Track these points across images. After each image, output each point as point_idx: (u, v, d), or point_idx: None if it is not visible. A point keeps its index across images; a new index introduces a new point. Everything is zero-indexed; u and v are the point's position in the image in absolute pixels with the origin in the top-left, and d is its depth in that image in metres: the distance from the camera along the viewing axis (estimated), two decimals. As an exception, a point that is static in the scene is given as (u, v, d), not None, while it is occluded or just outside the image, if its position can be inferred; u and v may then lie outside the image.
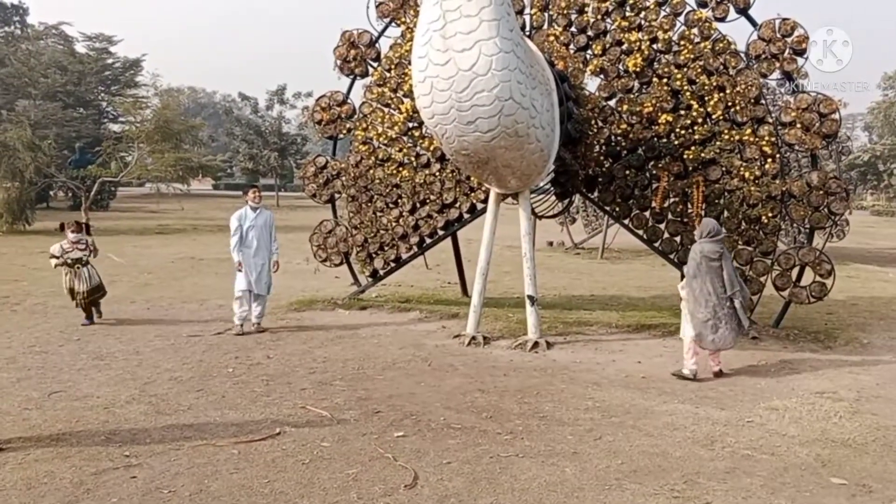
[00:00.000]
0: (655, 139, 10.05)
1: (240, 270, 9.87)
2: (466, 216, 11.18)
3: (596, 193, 10.55)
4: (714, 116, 9.80)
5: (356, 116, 11.73)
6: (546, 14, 10.58)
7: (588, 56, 10.34)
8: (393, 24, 11.36)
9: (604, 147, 10.26)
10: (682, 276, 8.05)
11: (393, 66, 11.32)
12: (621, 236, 20.52)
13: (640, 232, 10.31)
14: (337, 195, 12.05)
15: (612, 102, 10.27)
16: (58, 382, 7.25)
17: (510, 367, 8.22)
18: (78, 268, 10.18)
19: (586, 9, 10.29)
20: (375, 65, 11.54)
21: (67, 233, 10.30)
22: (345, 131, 11.86)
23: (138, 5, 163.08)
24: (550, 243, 23.29)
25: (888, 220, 50.82)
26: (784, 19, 9.54)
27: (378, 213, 11.59)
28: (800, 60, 9.53)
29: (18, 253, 19.22)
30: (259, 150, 48.23)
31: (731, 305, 7.81)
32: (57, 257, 10.20)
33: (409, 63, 10.62)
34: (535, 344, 9.12)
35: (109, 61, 48.73)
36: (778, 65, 9.56)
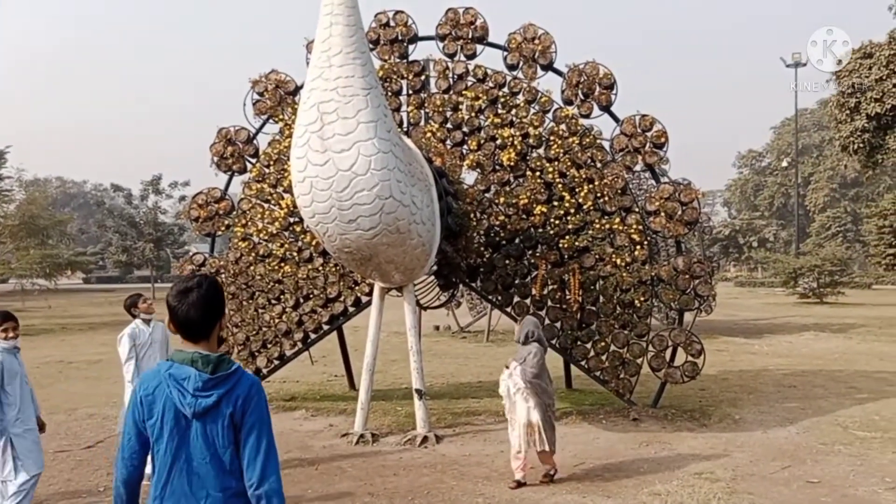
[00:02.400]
0: (532, 229, 10.41)
1: None
2: (351, 310, 11.12)
3: (478, 283, 10.75)
4: (585, 206, 10.27)
5: (235, 213, 11.59)
6: (422, 111, 10.92)
7: (464, 151, 10.70)
8: (271, 120, 11.41)
9: (484, 238, 10.54)
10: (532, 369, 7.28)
11: (272, 162, 11.32)
12: (506, 318, 20.91)
13: (532, 317, 10.52)
14: (216, 293, 11.73)
15: (489, 195, 10.61)
16: None
17: (400, 466, 8.10)
18: None
19: (461, 106, 10.68)
20: (254, 161, 11.50)
21: None
22: (223, 228, 11.67)
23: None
24: (437, 328, 23.40)
25: (750, 291, 54.04)
26: (643, 115, 10.22)
27: (260, 310, 11.37)
28: (660, 153, 10.19)
29: None
30: (133, 242, 46.61)
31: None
32: None
33: (288, 159, 10.69)
34: (425, 439, 9.05)
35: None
36: (640, 158, 10.18)
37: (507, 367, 7.49)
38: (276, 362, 11.42)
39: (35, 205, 27.90)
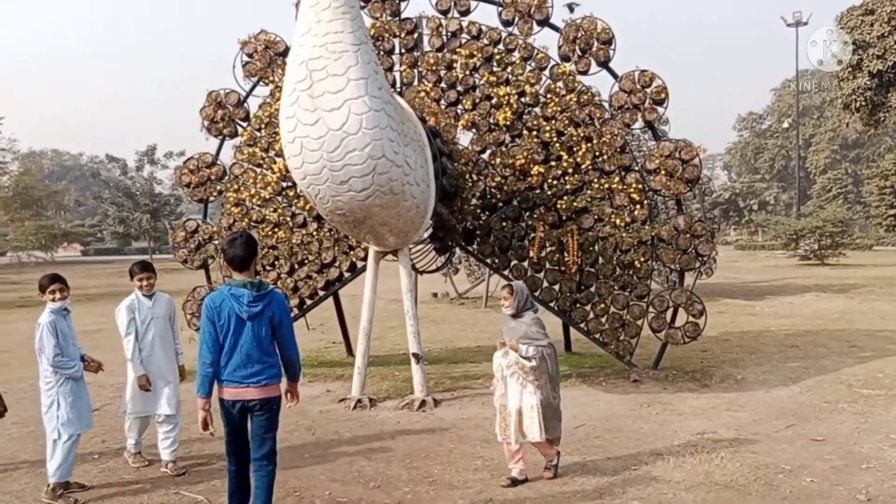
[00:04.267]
0: (529, 190, 10.21)
1: (147, 389, 6.78)
2: (347, 275, 10.95)
3: (475, 246, 10.58)
4: (583, 166, 10.06)
5: (227, 178, 11.36)
6: (416, 71, 10.65)
7: (459, 111, 10.45)
8: (261, 83, 11.15)
9: (480, 200, 10.33)
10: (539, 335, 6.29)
11: (263, 126, 11.07)
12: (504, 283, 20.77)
13: (520, 282, 10.35)
14: (210, 260, 11.58)
15: (485, 156, 10.39)
16: None
17: (397, 430, 7.99)
18: None
19: (455, 64, 10.41)
20: (245, 125, 11.26)
21: None
22: (215, 194, 11.46)
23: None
24: (435, 294, 23.27)
25: (750, 254, 53.92)
26: (643, 71, 9.95)
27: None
28: (660, 110, 9.95)
29: None
30: (130, 213, 46.33)
31: None
32: None
33: (280, 122, 10.47)
34: (423, 403, 8.94)
35: (-38, 126, 45.91)
36: (640, 115, 9.94)
37: (501, 345, 6.37)
38: (272, 329, 11.26)
39: (29, 175, 27.66)
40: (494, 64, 10.29)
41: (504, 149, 10.28)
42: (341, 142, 7.39)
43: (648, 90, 9.93)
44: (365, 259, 10.56)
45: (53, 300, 6.24)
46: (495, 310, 19.60)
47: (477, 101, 10.33)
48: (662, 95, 9.92)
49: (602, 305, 10.14)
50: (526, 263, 10.34)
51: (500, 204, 10.34)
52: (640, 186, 9.94)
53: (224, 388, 4.97)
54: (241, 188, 11.21)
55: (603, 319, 10.17)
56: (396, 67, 10.73)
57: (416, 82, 10.63)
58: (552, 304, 10.28)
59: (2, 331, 17.97)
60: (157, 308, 6.91)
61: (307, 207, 10.86)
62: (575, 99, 10.07)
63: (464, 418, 8.39)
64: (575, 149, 10.05)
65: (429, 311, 18.75)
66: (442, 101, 10.46)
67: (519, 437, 6.17)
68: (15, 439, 7.96)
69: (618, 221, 9.95)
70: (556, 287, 10.28)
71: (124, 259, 53.54)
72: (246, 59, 11.11)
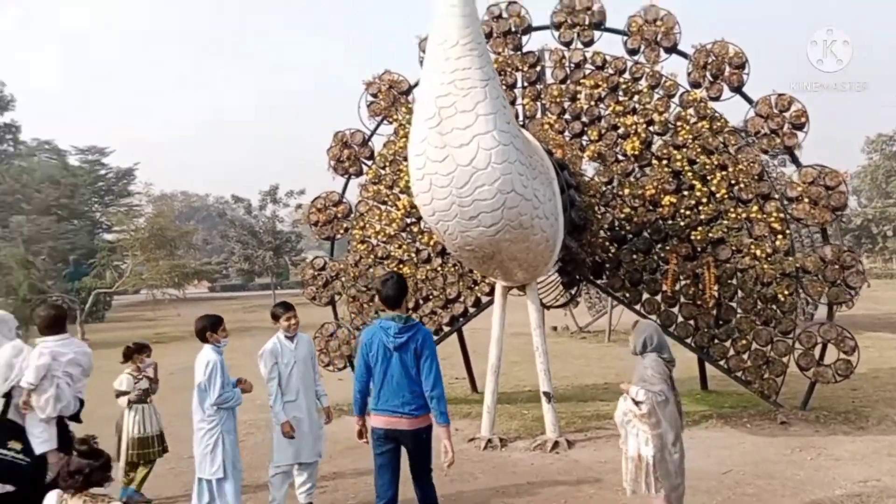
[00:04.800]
0: (660, 221, 9.84)
1: (291, 436, 6.42)
2: (472, 310, 10.85)
3: (604, 280, 10.27)
4: (718, 195, 9.62)
5: (353, 216, 11.52)
6: (538, 103, 10.53)
7: (584, 142, 10.23)
8: (385, 121, 11.29)
9: (608, 232, 10.04)
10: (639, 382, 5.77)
11: (387, 164, 11.19)
12: (627, 316, 20.17)
13: (654, 317, 9.96)
14: (337, 296, 11.73)
15: (612, 187, 10.10)
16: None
17: (532, 472, 7.74)
18: (148, 402, 7.51)
19: (579, 95, 10.23)
20: (370, 163, 11.41)
21: (143, 357, 7.63)
22: (342, 231, 11.63)
23: (125, 115, 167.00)
24: (555, 328, 22.84)
25: (888, 283, 50.61)
26: (780, 95, 9.48)
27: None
28: (800, 135, 9.42)
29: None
30: (254, 251, 48.15)
31: None
32: (126, 393, 7.41)
33: (404, 159, 10.54)
34: (556, 444, 8.65)
35: (102, 172, 49.18)
36: (778, 140, 9.44)
37: (625, 392, 5.87)
38: (398, 365, 11.25)
39: (163, 217, 29.16)
40: (620, 93, 10.06)
41: (632, 179, 9.97)
42: (470, 177, 7.30)
43: (787, 114, 9.44)
44: (489, 294, 10.43)
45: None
46: (619, 344, 19.03)
47: (603, 131, 10.09)
48: (802, 119, 9.41)
49: (743, 342, 9.59)
50: (659, 297, 9.94)
51: (630, 236, 10.01)
52: (780, 215, 9.40)
53: (377, 417, 5.27)
54: (367, 225, 11.34)
55: (745, 356, 9.62)
56: (519, 101, 10.63)
57: (539, 115, 10.50)
58: (688, 341, 9.82)
59: (140, 366, 18.77)
60: (299, 350, 6.66)
61: (431, 243, 10.85)
62: (707, 126, 9.68)
63: (601, 461, 8.04)
64: (709, 177, 9.64)
65: (550, 346, 18.16)
66: (566, 133, 10.27)
67: (629, 486, 5.78)
68: (158, 475, 8.16)
69: (758, 252, 9.43)
70: (693, 322, 9.81)
71: (248, 295, 55.65)
72: (370, 99, 11.29)
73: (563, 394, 11.90)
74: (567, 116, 10.33)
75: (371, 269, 11.27)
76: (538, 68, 10.52)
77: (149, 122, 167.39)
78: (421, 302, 11.02)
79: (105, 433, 6.15)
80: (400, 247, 11.14)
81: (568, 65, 10.38)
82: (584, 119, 10.21)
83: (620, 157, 10.05)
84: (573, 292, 12.19)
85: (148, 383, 7.52)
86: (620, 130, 9.99)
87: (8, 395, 5.17)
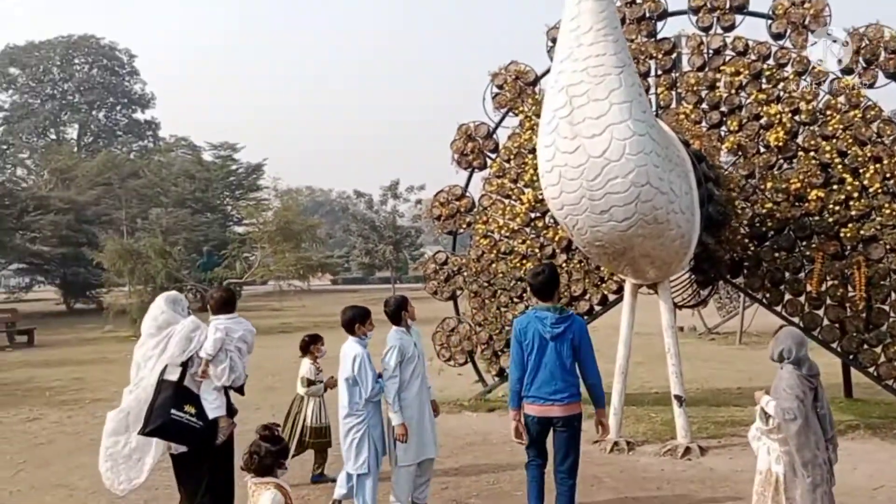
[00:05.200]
0: (806, 217, 9.19)
1: (404, 440, 6.11)
2: (597, 308, 10.50)
3: (742, 279, 9.69)
4: (871, 189, 8.88)
5: (475, 210, 11.38)
6: (674, 92, 10.05)
7: (723, 133, 9.68)
8: (510, 113, 11.08)
9: (748, 229, 9.45)
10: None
11: (512, 157, 10.97)
12: (761, 317, 19.16)
13: (796, 319, 9.32)
14: (458, 291, 11.63)
15: (753, 180, 9.51)
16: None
17: (663, 479, 7.37)
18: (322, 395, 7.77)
19: (718, 84, 9.68)
20: (493, 156, 11.23)
21: (318, 347, 7.84)
22: (464, 226, 11.51)
23: (256, 111, 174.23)
24: (681, 328, 21.95)
25: None
26: (944, 80, 8.65)
27: (502, 309, 11.05)
28: (970, 124, 8.57)
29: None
30: (375, 245, 49.09)
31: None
32: (313, 382, 7.66)
33: (529, 152, 10.30)
34: (687, 449, 8.21)
35: (234, 167, 51.21)
36: (944, 130, 8.63)
37: (757, 401, 5.37)
38: (521, 363, 11.04)
39: (289, 211, 30.03)
40: (764, 80, 9.45)
41: (776, 172, 9.35)
42: (602, 169, 7.01)
43: (955, 101, 8.59)
44: (616, 292, 10.06)
45: (364, 334, 6.34)
46: (751, 347, 18.13)
47: (744, 121, 9.51)
48: (973, 106, 8.54)
49: (896, 348, 8.84)
50: (802, 299, 9.29)
51: (772, 233, 9.39)
52: (943, 212, 8.59)
53: (529, 405, 5.48)
54: (490, 220, 11.16)
55: (898, 363, 8.87)
56: (652, 90, 10.18)
57: (673, 104, 10.02)
58: (834, 346, 9.13)
59: (266, 355, 19.36)
60: (418, 342, 6.43)
61: (556, 239, 10.57)
62: (860, 115, 8.95)
63: (737, 470, 7.54)
64: (861, 170, 8.91)
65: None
66: (703, 123, 9.75)
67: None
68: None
69: (917, 252, 8.66)
70: (840, 326, 9.12)
71: (368, 288, 56.73)
72: (496, 90, 11.10)
73: (694, 397, 11.31)
74: (704, 106, 9.81)
75: (493, 265, 11.09)
76: (674, 55, 10.03)
77: (278, 117, 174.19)
78: (545, 298, 10.75)
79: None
80: (523, 242, 10.90)
81: (706, 51, 9.85)
82: (724, 108, 9.66)
83: (762, 149, 9.44)
84: (707, 292, 11.60)
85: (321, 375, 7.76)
86: (763, 120, 9.39)
87: (185, 365, 5.61)
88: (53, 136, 59.56)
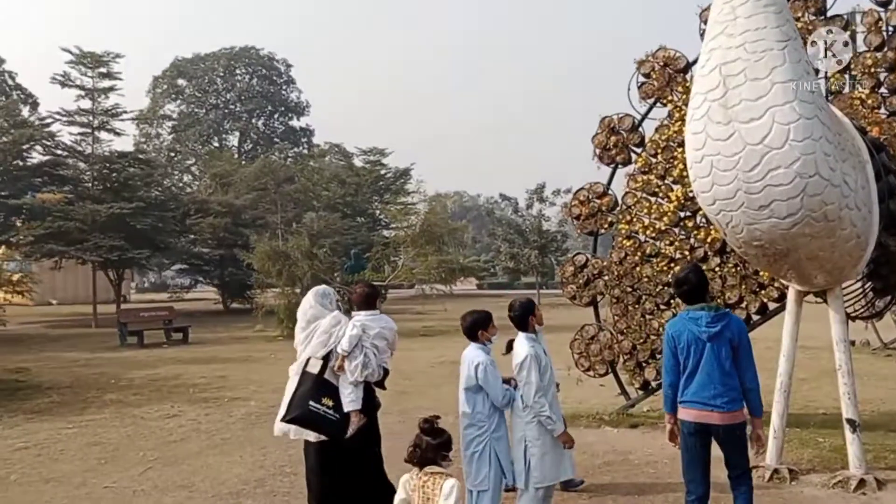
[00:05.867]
0: None
1: (571, 446, 5.85)
2: (755, 318, 9.45)
3: (928, 287, 8.41)
4: None
5: (618, 209, 10.59)
6: (846, 75, 8.89)
7: (907, 120, 8.45)
8: (658, 104, 10.22)
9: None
10: None
11: (659, 151, 10.11)
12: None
13: None
14: (599, 297, 10.86)
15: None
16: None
17: (832, 517, 6.37)
18: None
19: (899, 64, 8.46)
20: (639, 151, 10.40)
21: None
22: (606, 226, 10.74)
23: (403, 118, 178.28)
24: (853, 342, 19.97)
25: None
26: None
27: (647, 316, 10.20)
28: None
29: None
30: (520, 249, 48.54)
31: None
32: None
33: (679, 146, 9.42)
34: (861, 482, 7.12)
35: (382, 172, 52.23)
36: None
37: None
38: (667, 375, 10.14)
39: (433, 214, 30.10)
40: (958, 58, 8.14)
41: (974, 163, 8.03)
42: (762, 158, 6.15)
43: None
44: (778, 300, 9.01)
45: (487, 339, 5.96)
46: (937, 366, 16.14)
47: (930, 106, 8.25)
48: None
49: None
50: None
51: (967, 233, 8.07)
52: None
53: (686, 410, 5.15)
54: (634, 219, 10.35)
55: None
56: (822, 73, 9.05)
57: (846, 89, 8.86)
58: None
59: (405, 357, 19.25)
60: (546, 349, 5.96)
61: (708, 240, 9.64)
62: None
63: (923, 511, 6.43)
64: None
65: (846, 363, 15.98)
66: (882, 109, 8.55)
67: None
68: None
69: None
70: None
71: (514, 293, 56.19)
72: (642, 79, 10.28)
73: (868, 422, 9.95)
74: (884, 90, 8.60)
75: (637, 268, 10.26)
76: (847, 34, 8.87)
77: (428, 123, 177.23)
78: (694, 305, 9.82)
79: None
80: (671, 243, 10.02)
81: (886, 29, 8.64)
82: (906, 92, 8.44)
83: (955, 137, 8.15)
84: (885, 302, 10.20)
85: None
86: (955, 105, 8.10)
87: (325, 359, 5.86)
88: (216, 144, 63.32)
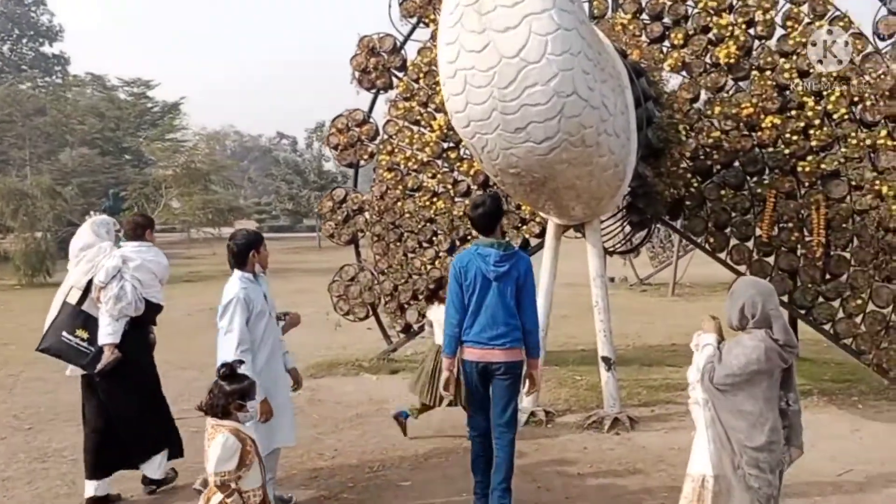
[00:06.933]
0: (758, 148, 7.87)
1: (268, 419, 4.74)
2: (517, 254, 9.05)
3: (682, 221, 8.36)
4: (836, 116, 7.59)
5: (379, 138, 9.73)
6: (609, 0, 8.53)
7: (665, 48, 8.23)
8: (421, 24, 9.39)
9: (691, 162, 8.07)
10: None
11: (422, 75, 9.33)
12: (694, 268, 18.18)
13: (743, 268, 8.06)
14: (360, 234, 10.03)
15: (698, 105, 8.13)
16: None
17: (585, 460, 6.03)
18: None
19: (660, -11, 8.19)
20: (400, 75, 9.56)
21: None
22: (366, 157, 9.87)
23: (180, 52, 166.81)
24: (612, 279, 20.89)
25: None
26: (925, -14, 7.34)
27: (409, 255, 9.52)
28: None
29: (29, 308, 17.61)
30: (299, 190, 46.90)
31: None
32: None
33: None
34: (615, 421, 6.87)
35: (148, 105, 48.04)
36: (921, 44, 7.35)
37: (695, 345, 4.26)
38: (429, 317, 9.57)
39: (195, 150, 27.94)
40: (714, -16, 7.98)
41: (725, 95, 7.96)
42: (518, 73, 5.39)
43: (935, 11, 7.30)
44: (539, 235, 8.60)
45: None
46: (685, 298, 17.15)
47: (690, 34, 8.06)
48: (956, 17, 7.26)
49: (857, 302, 7.68)
50: (750, 244, 8.01)
51: (718, 167, 8.05)
52: (918, 143, 7.35)
53: (468, 349, 4.91)
54: (396, 150, 9.56)
55: (858, 320, 7.70)
56: (584, -5, 8.63)
57: (609, 13, 8.51)
58: (785, 298, 7.86)
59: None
60: (267, 293, 4.98)
61: (472, 173, 9.08)
62: (826, 27, 7.59)
63: (673, 448, 6.23)
64: (824, 93, 7.60)
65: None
66: (643, 36, 8.27)
67: None
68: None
69: (884, 190, 7.42)
70: (792, 276, 7.89)
71: (295, 236, 54.54)
72: (403, -6, 9.37)
73: (624, 356, 10.02)
74: (645, 16, 8.32)
75: (399, 203, 9.51)
76: (608, -46, 8.48)
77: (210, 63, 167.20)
78: (458, 243, 9.26)
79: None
80: (434, 176, 9.35)
81: (647, -49, 8.33)
82: (667, 19, 8.20)
83: (711, 68, 8.03)
84: (641, 237, 10.25)
85: None
86: (712, 33, 7.95)
87: (87, 290, 5.51)
88: (-51, 69, 55.03)
